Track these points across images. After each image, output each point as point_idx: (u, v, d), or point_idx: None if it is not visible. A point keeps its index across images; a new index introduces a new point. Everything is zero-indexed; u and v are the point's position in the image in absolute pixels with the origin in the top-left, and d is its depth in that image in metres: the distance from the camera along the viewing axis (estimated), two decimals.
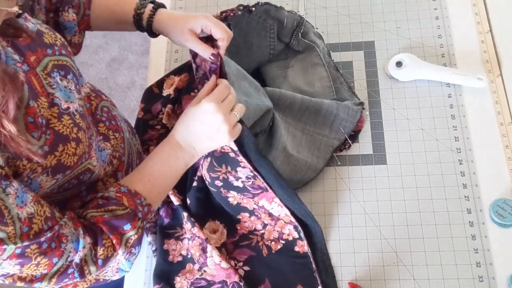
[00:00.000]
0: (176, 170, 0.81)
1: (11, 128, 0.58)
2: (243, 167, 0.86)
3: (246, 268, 0.93)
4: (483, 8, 1.14)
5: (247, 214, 0.95)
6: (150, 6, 0.90)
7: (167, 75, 1.11)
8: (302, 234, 0.93)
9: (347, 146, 1.02)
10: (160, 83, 1.10)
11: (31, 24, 0.74)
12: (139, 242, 0.75)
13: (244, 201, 0.94)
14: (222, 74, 0.84)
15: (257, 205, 0.94)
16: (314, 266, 0.91)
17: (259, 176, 0.87)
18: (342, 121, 1.01)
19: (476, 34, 1.11)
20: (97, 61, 2.41)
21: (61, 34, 0.85)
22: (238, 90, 0.88)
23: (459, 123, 1.02)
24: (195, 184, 0.96)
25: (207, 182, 0.92)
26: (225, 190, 0.92)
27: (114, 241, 0.72)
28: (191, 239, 0.94)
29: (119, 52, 2.41)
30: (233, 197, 0.93)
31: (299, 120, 1.02)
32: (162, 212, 0.98)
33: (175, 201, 0.96)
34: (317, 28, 1.12)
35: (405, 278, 0.90)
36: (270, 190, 0.89)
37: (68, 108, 0.73)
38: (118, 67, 2.39)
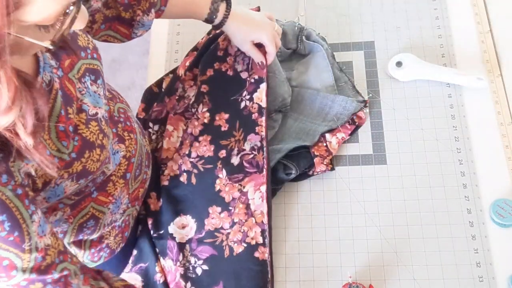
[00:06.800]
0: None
1: (27, 140, 0.57)
2: (256, 133, 0.92)
3: (205, 267, 0.93)
4: (483, 8, 1.14)
5: (218, 209, 0.95)
6: (223, 6, 0.95)
7: (167, 75, 1.11)
8: (267, 240, 0.92)
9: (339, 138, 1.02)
10: (159, 83, 1.11)
11: None
12: None
13: (226, 189, 0.95)
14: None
15: (239, 192, 0.94)
16: (269, 276, 0.90)
17: (265, 149, 0.93)
18: (336, 114, 1.02)
19: (476, 34, 1.11)
20: None
21: (129, 29, 0.91)
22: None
23: (459, 123, 1.02)
24: (166, 183, 0.98)
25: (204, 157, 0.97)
26: (221, 166, 0.96)
27: None
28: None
29: (119, 53, 2.41)
30: (220, 180, 0.95)
31: (295, 111, 1.05)
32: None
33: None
34: (319, 34, 1.12)
35: (405, 278, 0.90)
36: (264, 172, 0.92)
37: (96, 114, 0.73)
38: (118, 68, 2.39)
